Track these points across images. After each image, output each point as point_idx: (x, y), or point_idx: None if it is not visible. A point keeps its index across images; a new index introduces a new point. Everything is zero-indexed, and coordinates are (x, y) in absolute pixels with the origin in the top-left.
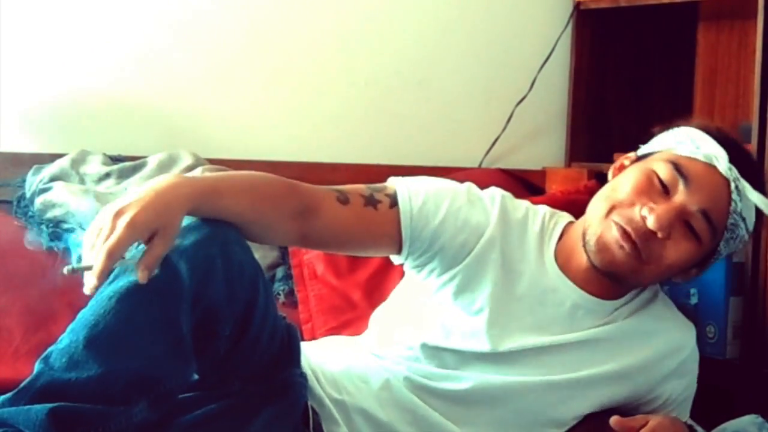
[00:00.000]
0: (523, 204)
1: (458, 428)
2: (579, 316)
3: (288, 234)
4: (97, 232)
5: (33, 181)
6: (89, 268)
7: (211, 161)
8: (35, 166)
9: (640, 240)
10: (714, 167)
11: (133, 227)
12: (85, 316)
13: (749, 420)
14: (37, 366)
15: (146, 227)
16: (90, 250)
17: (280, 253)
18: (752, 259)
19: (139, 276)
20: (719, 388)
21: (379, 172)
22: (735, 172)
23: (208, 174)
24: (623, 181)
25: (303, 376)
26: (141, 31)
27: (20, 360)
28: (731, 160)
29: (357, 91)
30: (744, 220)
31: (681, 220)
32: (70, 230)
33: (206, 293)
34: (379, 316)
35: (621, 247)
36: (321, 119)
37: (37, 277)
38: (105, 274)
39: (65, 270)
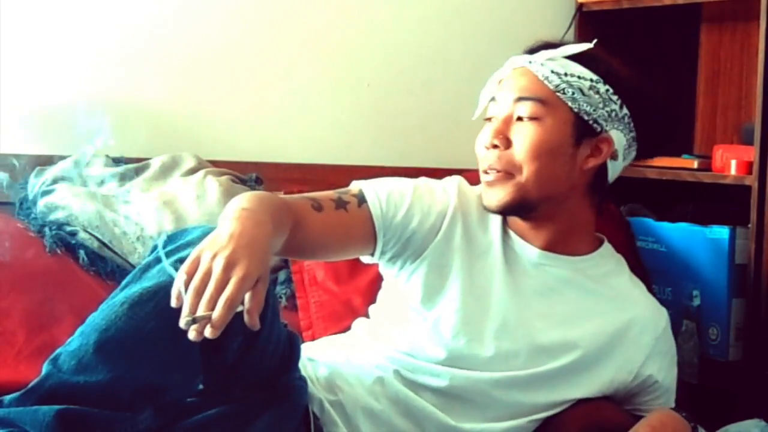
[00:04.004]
0: (479, 186)
1: (450, 419)
2: (544, 272)
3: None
4: (201, 276)
5: (36, 183)
6: (207, 317)
7: (214, 163)
8: (38, 168)
9: (491, 162)
10: (510, 72)
11: (248, 280)
12: (96, 320)
13: (752, 424)
14: (46, 367)
15: (255, 278)
16: (195, 296)
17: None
18: (755, 261)
19: (252, 323)
20: (722, 389)
21: (382, 174)
22: (526, 57)
23: (248, 204)
24: None
25: (302, 379)
26: (143, 32)
27: (23, 362)
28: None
29: (360, 92)
30: (572, 75)
31: (509, 122)
32: (73, 233)
33: None
34: (363, 323)
35: (487, 180)
36: (324, 121)
37: (40, 280)
38: (224, 326)
39: (183, 323)
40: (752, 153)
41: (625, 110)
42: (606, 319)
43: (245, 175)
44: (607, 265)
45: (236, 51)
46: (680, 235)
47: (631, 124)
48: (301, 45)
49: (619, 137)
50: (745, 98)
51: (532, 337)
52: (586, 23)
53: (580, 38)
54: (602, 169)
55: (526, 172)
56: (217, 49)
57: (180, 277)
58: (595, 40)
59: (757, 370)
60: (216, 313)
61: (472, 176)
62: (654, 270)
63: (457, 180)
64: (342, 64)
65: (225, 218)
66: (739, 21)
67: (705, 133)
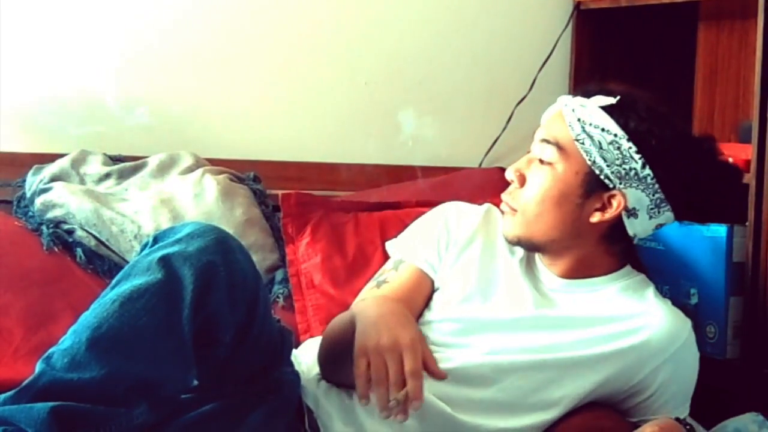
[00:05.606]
0: None
1: (450, 409)
2: (556, 295)
3: None
4: (378, 368)
5: (33, 181)
6: (404, 394)
7: (211, 161)
8: (35, 166)
9: (505, 195)
10: (554, 111)
11: (417, 343)
12: (88, 318)
13: (749, 418)
14: (39, 366)
15: (418, 339)
16: (382, 386)
17: (279, 255)
18: (752, 259)
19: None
20: (719, 388)
21: (379, 172)
22: (565, 100)
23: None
24: None
25: (295, 373)
26: (141, 30)
27: (20, 360)
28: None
29: (357, 91)
30: (596, 126)
31: (531, 161)
32: (71, 231)
33: (209, 300)
34: None
35: (502, 209)
36: (321, 119)
37: (38, 278)
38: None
39: (387, 409)
40: (750, 151)
41: (647, 170)
42: (618, 332)
43: (243, 173)
44: (624, 282)
45: (234, 50)
46: (678, 233)
47: (656, 186)
48: (299, 43)
49: (637, 196)
50: (742, 96)
51: (538, 320)
52: (583, 22)
53: (578, 36)
54: (618, 223)
55: (529, 214)
56: (214, 48)
57: (360, 379)
58: (618, 97)
59: (754, 368)
60: (410, 387)
61: (467, 175)
62: (652, 268)
63: (487, 206)
64: (339, 62)
65: (360, 321)
66: (736, 19)
67: (703, 132)
